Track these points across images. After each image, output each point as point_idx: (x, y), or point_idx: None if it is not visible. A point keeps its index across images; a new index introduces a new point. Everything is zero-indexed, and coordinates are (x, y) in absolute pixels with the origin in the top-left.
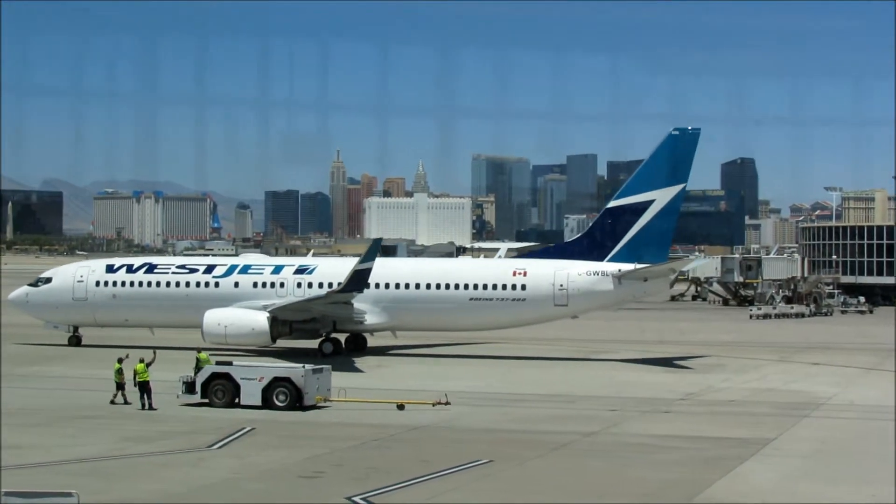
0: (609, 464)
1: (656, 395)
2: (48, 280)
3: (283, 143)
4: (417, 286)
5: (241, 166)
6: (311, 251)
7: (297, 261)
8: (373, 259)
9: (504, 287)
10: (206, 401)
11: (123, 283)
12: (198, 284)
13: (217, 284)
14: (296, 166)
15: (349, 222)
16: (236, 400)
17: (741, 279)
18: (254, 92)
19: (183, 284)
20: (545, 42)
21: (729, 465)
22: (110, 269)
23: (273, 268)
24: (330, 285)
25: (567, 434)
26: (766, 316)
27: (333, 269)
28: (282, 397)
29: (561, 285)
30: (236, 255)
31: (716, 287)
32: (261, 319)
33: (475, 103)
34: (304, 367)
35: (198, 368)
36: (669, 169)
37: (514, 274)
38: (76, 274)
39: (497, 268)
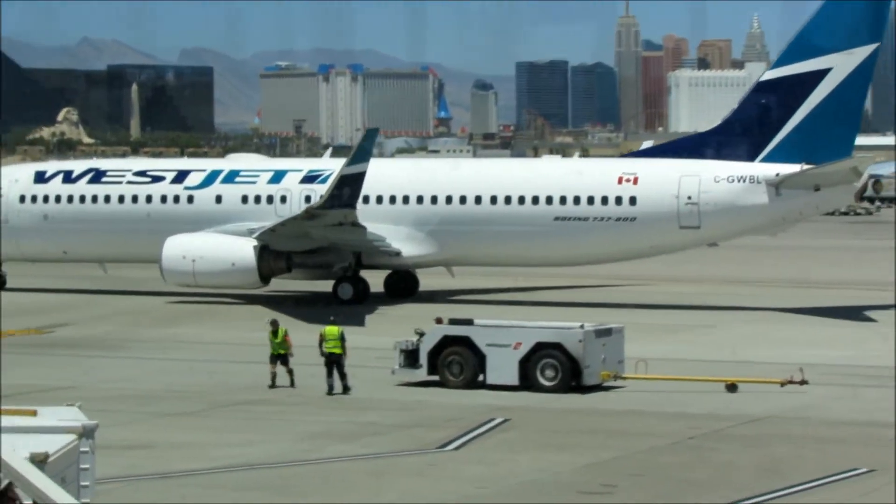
0: None
1: None
2: None
3: None
4: (478, 200)
5: (479, 26)
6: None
7: (310, 164)
8: (365, 159)
9: (604, 201)
10: (437, 378)
11: (59, 199)
12: (163, 199)
13: (190, 199)
14: (563, 25)
15: (645, 108)
16: (480, 377)
17: None
18: None
19: (142, 199)
20: None
21: None
22: (41, 177)
23: (272, 174)
24: (363, 199)
25: None
26: None
27: (369, 173)
28: (549, 373)
29: (689, 197)
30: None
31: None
32: (245, 250)
33: None
34: (581, 327)
35: (420, 332)
36: (855, 21)
37: (621, 181)
38: None
39: (595, 172)
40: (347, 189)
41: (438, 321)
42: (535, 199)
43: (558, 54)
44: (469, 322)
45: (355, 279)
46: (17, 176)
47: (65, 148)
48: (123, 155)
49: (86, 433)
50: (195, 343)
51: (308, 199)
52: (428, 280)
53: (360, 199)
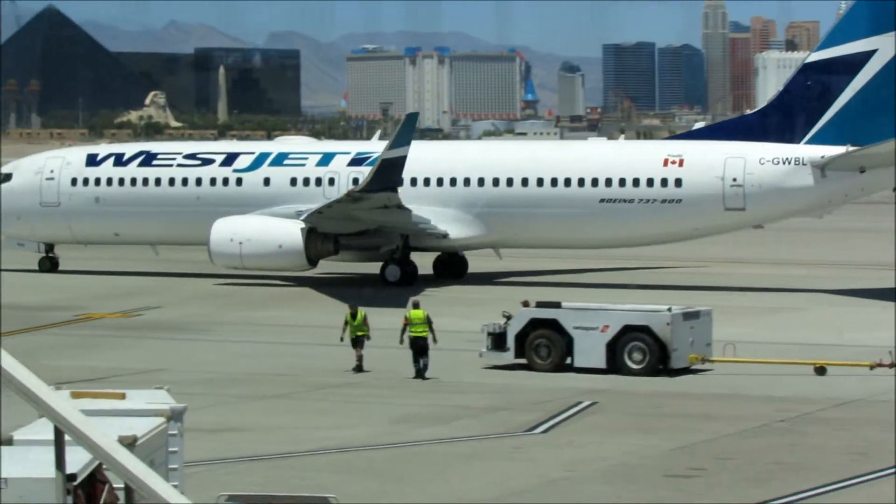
0: None
1: None
2: (7, 178)
3: None
4: (525, 182)
5: (566, 8)
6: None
7: (358, 147)
8: (406, 142)
9: (650, 183)
10: (524, 361)
11: (110, 181)
12: (213, 182)
13: (239, 181)
14: (649, 6)
15: (733, 90)
16: (568, 360)
17: None
18: None
19: (192, 182)
20: None
21: None
22: (92, 160)
23: (320, 157)
24: (411, 181)
25: None
26: None
27: (414, 156)
28: (637, 355)
29: (734, 179)
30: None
31: None
32: (292, 232)
33: None
34: (669, 310)
35: (507, 316)
36: None
37: (666, 163)
38: (44, 168)
39: (641, 154)
40: (389, 172)
41: (525, 304)
42: (581, 182)
43: (645, 36)
44: (557, 305)
45: (403, 261)
46: (70, 159)
47: (152, 131)
48: (211, 138)
49: (174, 416)
50: (280, 326)
51: (356, 181)
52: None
53: (408, 182)
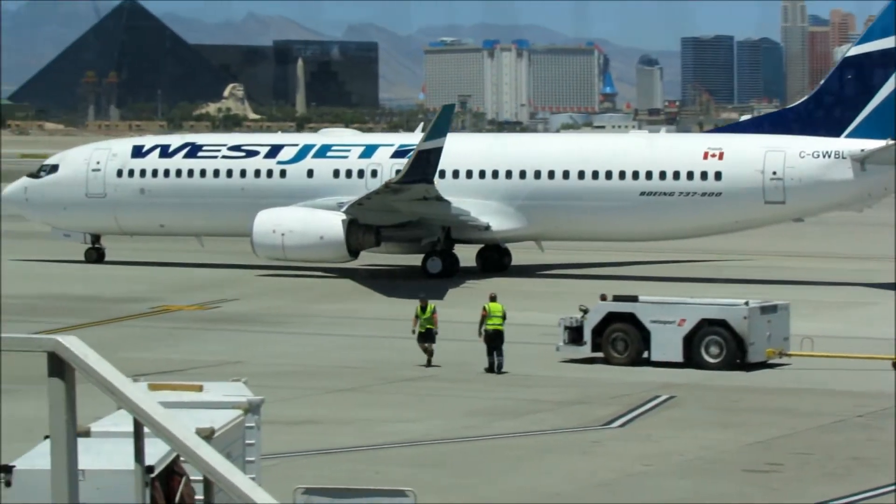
0: None
1: None
2: (54, 168)
3: None
4: (566, 175)
5: (644, 1)
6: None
7: (401, 139)
8: (443, 134)
9: (690, 176)
10: (601, 354)
11: (155, 173)
12: (257, 174)
13: (283, 173)
14: (727, 0)
15: (811, 83)
16: (644, 353)
17: None
18: None
19: (237, 174)
20: None
21: None
22: (138, 151)
23: (363, 149)
24: (453, 174)
25: None
26: None
27: (457, 149)
28: (714, 349)
29: (774, 172)
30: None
31: None
32: (334, 223)
33: None
34: (746, 304)
35: (584, 310)
36: None
37: (706, 156)
38: (90, 159)
39: (682, 147)
40: (425, 164)
41: (603, 298)
42: (622, 174)
43: (724, 29)
44: (634, 299)
45: (444, 253)
46: (116, 150)
47: (230, 124)
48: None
49: (251, 408)
50: (355, 318)
51: (398, 173)
52: (520, 255)
53: (451, 174)
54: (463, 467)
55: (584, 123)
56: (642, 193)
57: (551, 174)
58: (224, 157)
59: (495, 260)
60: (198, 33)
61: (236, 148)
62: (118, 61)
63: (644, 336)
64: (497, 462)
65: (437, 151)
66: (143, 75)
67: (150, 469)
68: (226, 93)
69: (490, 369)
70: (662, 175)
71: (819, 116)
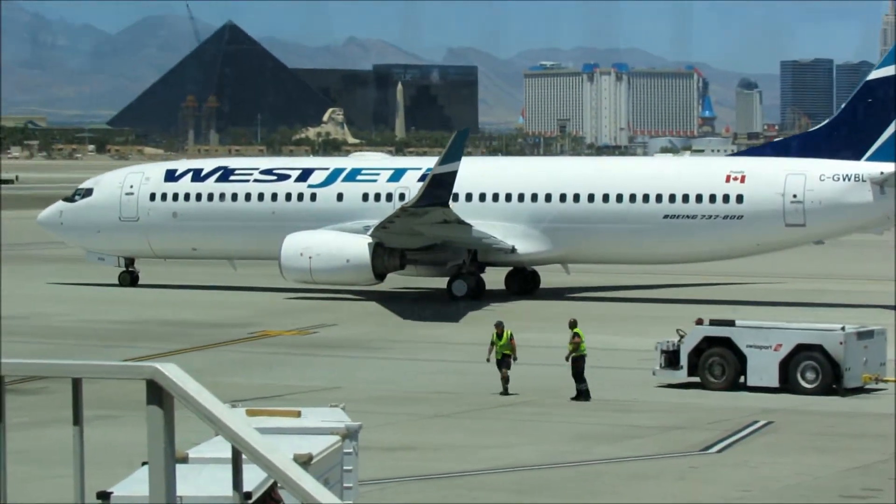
0: None
1: None
2: (88, 192)
3: None
4: (591, 198)
5: (743, 25)
6: None
7: (429, 163)
8: (457, 158)
9: (712, 199)
10: (697, 379)
11: (188, 197)
12: (287, 197)
13: (314, 197)
14: (826, 23)
15: None
16: (741, 378)
17: None
18: None
19: (268, 197)
20: None
21: None
22: (171, 176)
23: (392, 172)
24: (479, 197)
25: None
26: None
27: (483, 172)
28: (810, 374)
29: (794, 195)
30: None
31: None
32: (360, 247)
33: None
34: (842, 329)
35: (681, 333)
36: None
37: (729, 180)
38: (124, 183)
39: (704, 171)
40: (440, 188)
41: (699, 322)
42: (646, 198)
43: (823, 53)
44: (730, 323)
45: (470, 276)
46: (149, 174)
47: (330, 148)
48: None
49: (349, 434)
50: (453, 343)
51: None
52: (549, 277)
53: (477, 197)
54: (563, 493)
55: (684, 147)
56: (665, 216)
57: (576, 197)
58: (255, 180)
59: (523, 283)
60: (298, 57)
61: (268, 172)
62: (218, 85)
63: (740, 360)
64: (596, 487)
65: (452, 175)
66: (242, 99)
67: (247, 496)
68: (325, 117)
69: (578, 396)
70: (685, 198)
71: (841, 139)
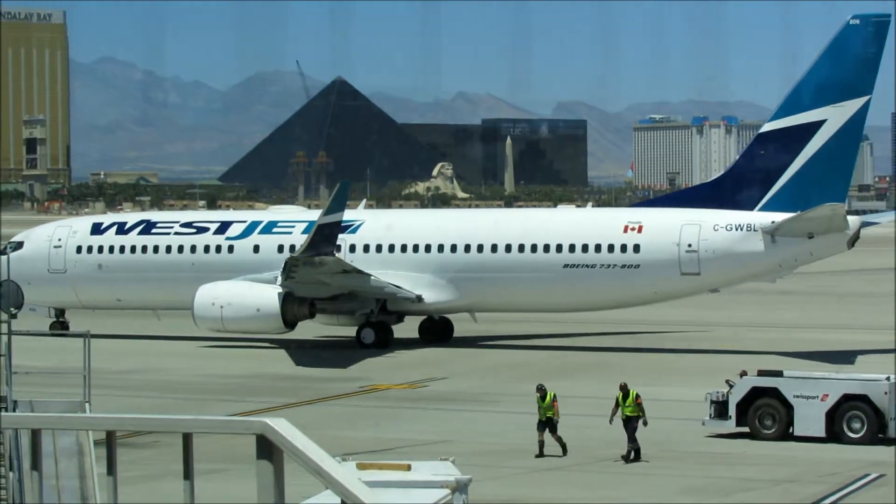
0: None
1: None
2: (19, 245)
3: None
4: (494, 248)
5: None
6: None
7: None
8: (340, 209)
9: (610, 248)
10: (747, 429)
11: (112, 249)
12: (206, 249)
13: (231, 249)
14: None
15: None
16: (790, 429)
17: None
18: None
19: (187, 249)
20: None
21: None
22: (96, 229)
23: (307, 225)
24: (388, 248)
25: None
26: None
27: (388, 223)
28: (856, 424)
29: (689, 245)
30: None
31: None
32: (269, 296)
33: None
34: (888, 379)
35: (729, 383)
36: (847, 75)
37: (626, 230)
38: (53, 236)
39: (602, 221)
40: (325, 238)
41: (743, 373)
42: (546, 248)
43: None
44: (778, 374)
45: (378, 324)
46: (76, 228)
47: (439, 203)
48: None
49: (459, 487)
50: (561, 397)
51: (339, 248)
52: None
53: (387, 248)
54: None
55: None
56: (566, 266)
57: (480, 248)
58: (176, 233)
59: (437, 331)
60: (407, 112)
61: (188, 224)
62: (327, 140)
63: (788, 410)
64: None
65: (336, 225)
66: (352, 154)
67: None
68: (434, 172)
69: (628, 456)
70: (585, 248)
71: (736, 190)
